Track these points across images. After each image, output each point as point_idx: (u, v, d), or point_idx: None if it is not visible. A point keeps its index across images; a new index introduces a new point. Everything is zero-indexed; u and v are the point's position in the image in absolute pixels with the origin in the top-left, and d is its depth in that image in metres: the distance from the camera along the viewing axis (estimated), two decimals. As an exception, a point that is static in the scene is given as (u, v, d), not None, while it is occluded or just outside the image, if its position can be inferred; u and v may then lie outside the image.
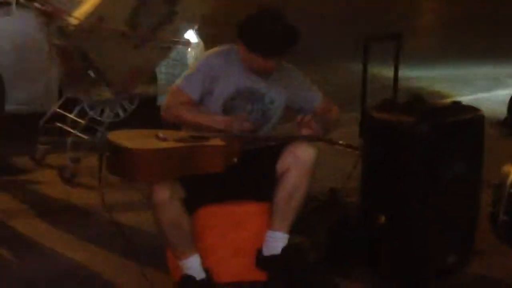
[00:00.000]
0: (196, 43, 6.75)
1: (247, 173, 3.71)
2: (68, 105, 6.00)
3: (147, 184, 3.54)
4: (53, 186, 5.49)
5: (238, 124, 3.70)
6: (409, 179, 3.80)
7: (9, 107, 6.11)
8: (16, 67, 6.03)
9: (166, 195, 3.49)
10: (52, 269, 4.11)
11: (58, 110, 5.95)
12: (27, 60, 5.91)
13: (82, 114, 5.85)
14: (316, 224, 4.16)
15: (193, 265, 3.64)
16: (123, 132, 3.73)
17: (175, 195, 3.52)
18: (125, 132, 3.74)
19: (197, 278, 3.64)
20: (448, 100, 4.14)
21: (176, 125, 3.84)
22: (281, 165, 3.69)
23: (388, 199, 3.89)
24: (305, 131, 3.70)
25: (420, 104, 3.94)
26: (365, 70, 4.24)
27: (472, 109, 3.98)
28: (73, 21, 5.44)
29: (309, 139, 3.72)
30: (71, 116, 5.86)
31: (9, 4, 5.93)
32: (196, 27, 6.32)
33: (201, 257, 3.67)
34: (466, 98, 7.20)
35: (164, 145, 3.47)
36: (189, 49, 6.45)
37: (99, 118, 5.80)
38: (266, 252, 3.76)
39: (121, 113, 6.04)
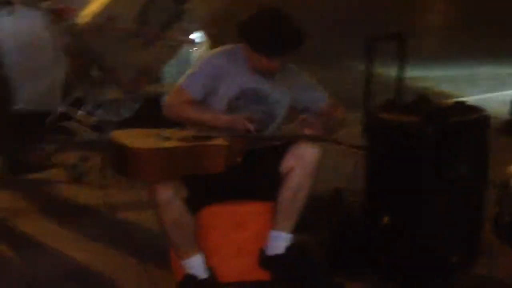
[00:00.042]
0: (201, 42, 6.75)
1: (251, 173, 3.70)
2: (75, 104, 6.02)
3: (150, 183, 3.53)
4: (61, 184, 5.50)
5: (242, 123, 3.69)
6: (413, 179, 3.79)
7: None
8: (19, 66, 6.02)
9: (169, 195, 3.48)
10: (54, 268, 4.10)
11: (65, 109, 5.97)
12: (30, 59, 5.89)
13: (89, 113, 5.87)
14: (319, 224, 4.15)
15: (195, 265, 3.64)
16: (126, 131, 3.73)
17: (177, 195, 3.51)
18: (128, 131, 3.74)
19: (200, 278, 3.63)
20: (453, 100, 4.11)
21: (179, 124, 3.84)
22: (285, 165, 3.68)
23: (392, 199, 3.88)
24: (308, 131, 3.69)
25: (425, 104, 3.93)
26: (368, 70, 4.22)
27: (477, 109, 3.97)
28: (82, 20, 5.45)
29: (314, 139, 3.71)
30: (79, 115, 5.86)
31: (12, 3, 5.91)
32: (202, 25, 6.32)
33: (204, 256, 3.67)
34: (470, 98, 7.18)
35: (166, 144, 3.46)
36: (194, 48, 6.45)
37: (106, 118, 5.81)
38: (270, 251, 3.76)
39: (126, 113, 6.04)
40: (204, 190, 3.66)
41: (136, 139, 3.50)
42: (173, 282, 3.74)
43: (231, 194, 3.75)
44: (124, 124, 5.48)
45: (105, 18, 5.38)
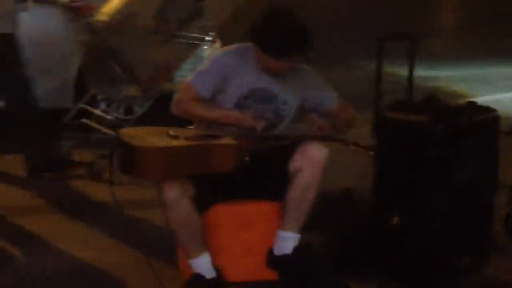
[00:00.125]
0: (212, 40, 6.74)
1: (259, 172, 3.69)
2: (92, 101, 6.03)
3: (157, 182, 3.53)
4: (78, 182, 5.52)
5: (250, 120, 3.68)
6: (422, 179, 3.77)
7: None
8: (32, 63, 6.03)
9: (176, 194, 3.47)
10: (60, 266, 4.10)
11: (83, 106, 5.99)
12: (43, 57, 5.91)
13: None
14: (328, 224, 4.14)
15: (203, 264, 3.63)
16: (134, 130, 3.73)
17: (185, 194, 3.50)
18: (137, 129, 3.74)
19: (207, 277, 3.62)
20: (463, 100, 4.10)
21: (188, 122, 3.84)
22: (293, 164, 3.67)
23: (401, 199, 3.86)
24: (317, 131, 3.68)
25: (434, 104, 3.91)
26: (378, 70, 4.21)
27: (487, 110, 3.94)
28: (101, 17, 5.45)
29: (322, 139, 3.69)
30: (97, 112, 5.88)
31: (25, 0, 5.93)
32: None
33: (212, 256, 3.66)
34: (484, 99, 7.15)
35: (174, 143, 3.46)
36: (205, 46, 6.45)
37: (121, 117, 5.82)
38: (277, 251, 3.75)
39: (139, 110, 6.05)
40: (212, 189, 3.65)
41: (143, 137, 3.50)
42: (180, 281, 3.74)
43: (239, 193, 3.74)
44: (141, 121, 5.50)
45: (124, 16, 5.41)
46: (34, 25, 5.87)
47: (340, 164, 4.02)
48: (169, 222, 3.56)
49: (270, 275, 3.78)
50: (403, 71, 4.49)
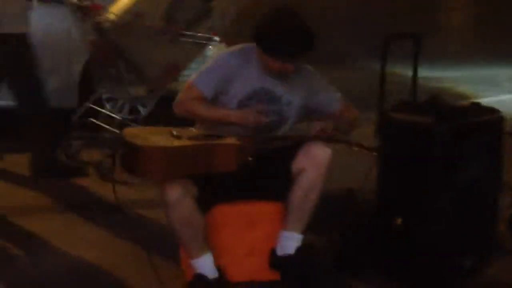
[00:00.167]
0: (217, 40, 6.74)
1: (262, 173, 3.69)
2: (100, 101, 6.03)
3: (160, 182, 3.52)
4: (82, 181, 5.52)
5: (253, 116, 3.67)
6: (426, 180, 3.76)
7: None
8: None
9: (179, 194, 3.46)
10: (61, 266, 4.10)
11: (91, 106, 6.00)
12: (47, 56, 5.91)
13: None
14: (331, 224, 4.13)
15: (205, 264, 3.62)
16: (138, 129, 3.74)
17: (187, 194, 3.50)
18: (140, 129, 3.75)
19: (210, 277, 3.61)
20: (468, 101, 4.09)
21: (191, 122, 3.83)
22: (296, 165, 3.67)
23: (405, 200, 3.86)
24: (320, 132, 3.68)
25: (438, 104, 3.91)
26: (382, 70, 4.19)
27: (491, 110, 3.94)
28: (110, 17, 5.46)
29: (325, 140, 3.69)
30: (105, 112, 5.88)
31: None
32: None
33: (214, 256, 3.66)
34: (489, 100, 7.14)
35: (176, 143, 3.46)
36: (210, 46, 6.45)
37: (125, 116, 5.82)
38: (280, 252, 3.75)
39: (144, 111, 6.05)
40: (215, 189, 3.64)
41: (146, 137, 3.50)
42: (182, 281, 3.73)
43: (242, 193, 3.74)
44: (149, 121, 5.50)
45: (132, 16, 5.40)
46: (39, 24, 5.88)
47: (343, 164, 4.01)
48: (172, 222, 3.55)
49: (273, 275, 3.77)
50: (407, 71, 4.48)
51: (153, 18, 5.44)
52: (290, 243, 3.72)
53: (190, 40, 5.61)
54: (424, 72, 4.81)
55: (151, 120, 5.48)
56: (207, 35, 5.72)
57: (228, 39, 5.87)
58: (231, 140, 3.54)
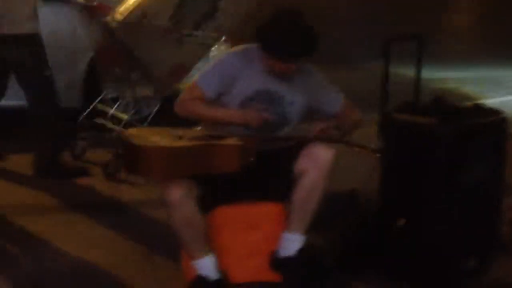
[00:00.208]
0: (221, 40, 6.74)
1: (264, 174, 3.68)
2: (107, 101, 6.03)
3: (162, 182, 3.51)
4: (87, 181, 5.51)
5: (255, 114, 3.65)
6: (428, 182, 3.75)
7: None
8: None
9: (180, 194, 3.46)
10: (61, 266, 4.09)
11: (98, 106, 6.00)
12: (49, 55, 5.90)
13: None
14: (333, 225, 4.12)
15: (206, 265, 3.62)
16: (140, 130, 3.74)
17: (189, 194, 3.49)
18: (142, 129, 3.75)
19: (211, 279, 3.61)
20: (472, 102, 4.08)
21: (194, 122, 3.82)
22: (298, 166, 3.65)
23: (407, 201, 3.85)
24: (322, 132, 3.66)
25: (442, 105, 3.89)
26: (385, 71, 4.17)
27: (495, 112, 3.92)
28: (117, 17, 5.46)
29: (327, 140, 3.67)
30: (112, 112, 5.88)
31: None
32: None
33: (216, 257, 3.64)
34: (495, 100, 7.11)
35: (177, 143, 3.45)
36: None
37: (130, 117, 5.81)
38: (282, 253, 3.74)
39: (147, 111, 6.05)
40: (217, 190, 3.63)
41: (148, 137, 3.50)
42: (183, 282, 3.72)
43: (244, 194, 3.73)
44: (155, 121, 5.50)
45: (140, 15, 5.40)
46: (42, 24, 5.87)
47: (346, 165, 3.99)
48: (173, 222, 3.54)
49: (274, 276, 3.76)
50: (412, 72, 4.47)
51: (161, 18, 5.44)
52: (292, 245, 3.71)
53: (197, 40, 5.61)
54: (428, 73, 4.79)
55: (157, 120, 5.48)
56: (215, 35, 5.71)
57: (235, 40, 5.87)
58: (233, 141, 3.53)
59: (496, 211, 3.96)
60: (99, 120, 5.90)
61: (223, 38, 5.94)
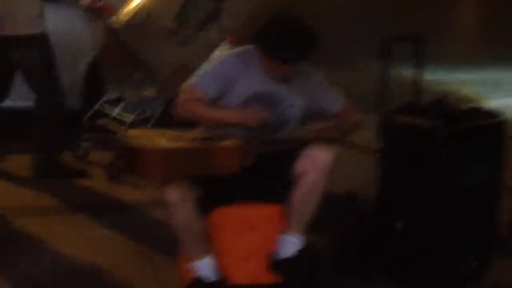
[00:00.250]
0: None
1: (263, 175, 3.67)
2: (111, 102, 6.04)
3: (161, 183, 3.52)
4: (87, 182, 5.52)
5: (254, 114, 3.66)
6: (428, 183, 3.75)
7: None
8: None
9: (179, 196, 3.46)
10: (60, 268, 4.10)
11: (101, 107, 6.00)
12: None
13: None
14: (332, 225, 4.12)
15: (205, 267, 3.62)
16: (140, 131, 3.73)
17: (188, 196, 3.49)
18: (141, 130, 3.75)
19: (209, 280, 3.61)
20: (474, 104, 4.08)
21: (194, 123, 3.83)
22: (297, 167, 3.65)
23: (406, 203, 3.85)
24: (321, 134, 3.67)
25: (441, 107, 3.90)
26: (385, 72, 4.18)
27: (493, 114, 3.93)
28: (121, 17, 5.47)
29: (327, 142, 3.67)
30: (116, 113, 5.88)
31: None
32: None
33: (214, 259, 3.64)
34: (495, 103, 7.10)
35: (177, 144, 3.45)
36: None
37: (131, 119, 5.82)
38: (280, 255, 3.73)
39: (149, 111, 6.05)
40: (216, 192, 3.64)
41: (147, 138, 3.50)
42: (182, 283, 3.71)
43: (243, 195, 3.73)
44: (159, 122, 5.50)
45: (144, 16, 5.40)
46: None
47: (344, 166, 4.00)
48: (172, 223, 3.55)
49: (273, 278, 3.75)
50: (411, 73, 4.47)
51: (165, 18, 5.45)
52: (290, 246, 3.71)
53: (202, 41, 5.61)
54: (429, 75, 4.79)
55: (161, 121, 5.48)
56: (219, 36, 5.72)
57: (239, 41, 5.87)
58: (231, 142, 3.53)
59: (494, 213, 3.96)
60: (102, 121, 5.90)
61: (228, 39, 5.95)
